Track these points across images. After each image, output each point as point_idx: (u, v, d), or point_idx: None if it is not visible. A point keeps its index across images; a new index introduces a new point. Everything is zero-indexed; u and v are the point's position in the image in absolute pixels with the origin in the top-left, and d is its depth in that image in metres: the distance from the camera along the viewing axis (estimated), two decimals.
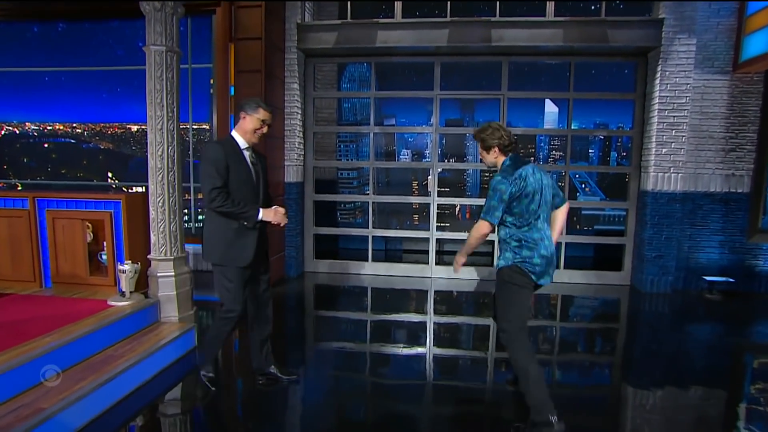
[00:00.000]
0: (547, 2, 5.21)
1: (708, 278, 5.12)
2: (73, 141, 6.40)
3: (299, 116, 5.62)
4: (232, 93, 5.33)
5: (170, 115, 3.41)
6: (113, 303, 3.29)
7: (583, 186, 7.32)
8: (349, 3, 5.55)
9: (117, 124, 6.21)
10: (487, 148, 2.53)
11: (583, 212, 5.95)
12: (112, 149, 6.26)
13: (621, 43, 5.03)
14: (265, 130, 2.73)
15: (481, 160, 2.66)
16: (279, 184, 5.46)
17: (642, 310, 4.85)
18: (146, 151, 3.54)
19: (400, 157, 7.72)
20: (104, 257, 3.64)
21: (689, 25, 4.87)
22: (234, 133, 2.72)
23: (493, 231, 2.47)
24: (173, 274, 3.50)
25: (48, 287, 3.69)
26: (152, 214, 3.46)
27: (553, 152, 7.60)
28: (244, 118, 2.67)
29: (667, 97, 4.98)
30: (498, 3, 5.29)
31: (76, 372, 2.60)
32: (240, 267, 2.68)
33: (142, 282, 3.54)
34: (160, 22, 3.31)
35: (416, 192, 8.25)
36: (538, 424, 2.32)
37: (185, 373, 3.13)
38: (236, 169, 2.64)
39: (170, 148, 3.43)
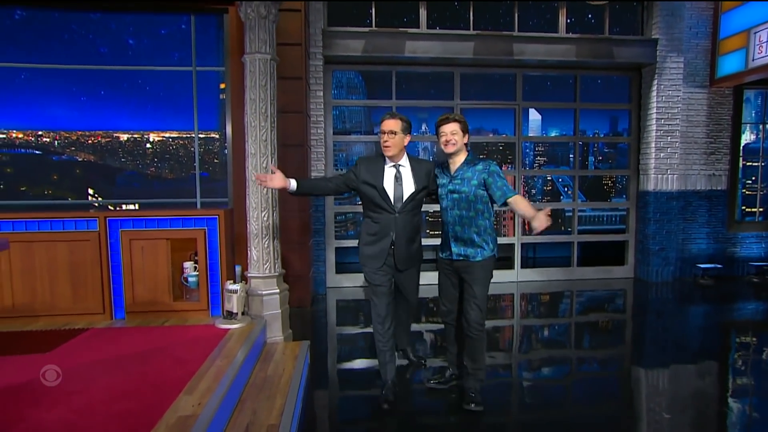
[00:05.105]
0: (560, 18, 6.11)
1: (701, 266, 6.36)
2: (38, 152, 5.86)
3: (323, 125, 5.85)
4: None
5: (273, 125, 3.56)
6: (225, 326, 3.33)
7: (566, 189, 8.44)
8: (373, 11, 5.95)
9: (101, 132, 5.83)
10: (464, 132, 2.90)
11: (567, 214, 6.91)
12: (93, 162, 5.84)
13: (624, 59, 6.10)
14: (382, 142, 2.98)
15: (445, 143, 2.90)
16: (305, 198, 5.59)
17: (655, 298, 5.86)
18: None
19: None
20: (191, 280, 3.63)
21: (677, 45, 6.08)
22: None
23: None
24: (278, 291, 3.62)
25: (120, 318, 3.56)
26: (254, 229, 3.56)
27: (538, 158, 8.67)
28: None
29: (663, 107, 6.15)
30: (516, 19, 6.07)
31: (251, 394, 2.70)
32: None
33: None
34: (264, 29, 3.47)
35: None
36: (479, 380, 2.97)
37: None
38: None
39: (273, 159, 3.57)
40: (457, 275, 2.98)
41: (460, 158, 2.93)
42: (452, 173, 2.93)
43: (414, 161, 3.05)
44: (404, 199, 2.95)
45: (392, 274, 3.04)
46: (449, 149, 2.91)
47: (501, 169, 2.93)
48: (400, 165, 2.98)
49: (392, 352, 3.03)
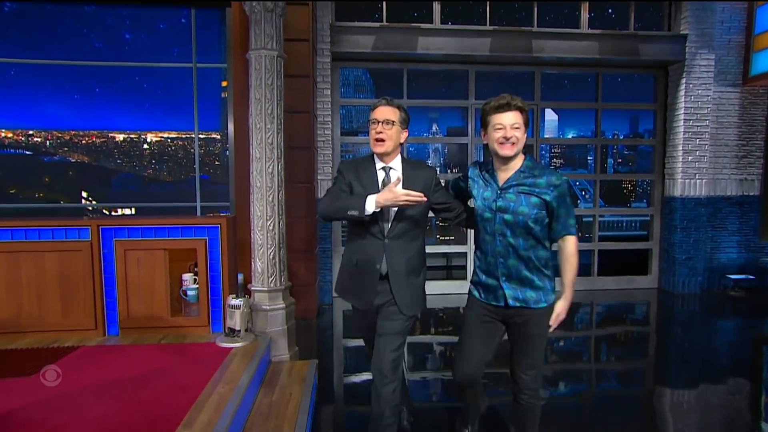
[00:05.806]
0: (581, 13, 5.90)
1: (732, 276, 6.12)
2: (29, 152, 5.69)
3: (330, 125, 5.66)
4: None
5: (279, 127, 3.37)
6: (227, 344, 3.13)
7: (584, 193, 8.23)
8: (383, 5, 5.75)
9: (95, 132, 5.65)
10: (527, 126, 2.12)
11: (585, 220, 6.75)
12: (87, 163, 5.67)
13: (649, 56, 5.87)
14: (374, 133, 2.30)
15: (502, 141, 2.07)
16: (312, 202, 5.37)
17: (681, 310, 5.63)
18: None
19: None
20: (190, 293, 3.45)
21: (708, 41, 5.84)
22: None
23: None
24: (284, 306, 3.42)
25: (113, 335, 3.37)
26: (259, 239, 3.36)
27: (554, 160, 8.48)
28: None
29: (692, 108, 5.91)
30: (536, 14, 5.86)
31: (256, 424, 2.50)
32: None
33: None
34: (271, 24, 3.27)
35: None
36: None
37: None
38: None
39: (279, 164, 3.38)
40: (504, 324, 2.24)
41: (516, 163, 2.12)
42: (501, 184, 2.12)
43: (409, 165, 2.36)
44: (392, 217, 2.25)
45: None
46: (507, 151, 2.06)
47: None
48: (390, 168, 2.31)
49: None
